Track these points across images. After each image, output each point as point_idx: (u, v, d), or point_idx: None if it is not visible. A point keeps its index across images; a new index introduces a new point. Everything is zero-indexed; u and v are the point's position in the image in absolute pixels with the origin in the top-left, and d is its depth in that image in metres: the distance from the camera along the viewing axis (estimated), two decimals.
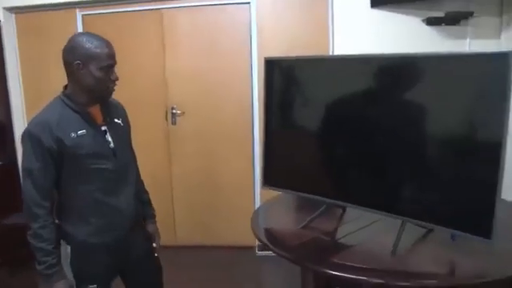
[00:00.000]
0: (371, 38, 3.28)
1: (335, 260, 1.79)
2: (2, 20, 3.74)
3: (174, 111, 3.74)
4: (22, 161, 1.65)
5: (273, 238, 2.09)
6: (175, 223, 3.90)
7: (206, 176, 3.81)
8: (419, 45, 3.15)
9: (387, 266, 1.73)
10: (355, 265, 1.73)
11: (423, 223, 1.85)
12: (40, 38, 3.81)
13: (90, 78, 1.64)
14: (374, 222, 2.06)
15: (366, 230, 2.04)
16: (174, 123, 3.75)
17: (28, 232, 1.66)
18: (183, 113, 3.75)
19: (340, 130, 2.10)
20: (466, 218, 1.67)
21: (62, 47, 1.70)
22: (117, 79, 1.72)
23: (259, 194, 3.72)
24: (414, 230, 1.92)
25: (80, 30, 3.71)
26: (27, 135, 1.63)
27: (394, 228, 1.86)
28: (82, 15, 3.73)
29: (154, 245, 2.03)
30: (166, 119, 3.76)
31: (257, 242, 3.74)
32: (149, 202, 2.07)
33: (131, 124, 1.98)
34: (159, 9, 3.65)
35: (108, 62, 1.66)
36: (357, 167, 2.06)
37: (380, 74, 1.93)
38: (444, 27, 3.18)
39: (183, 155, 3.81)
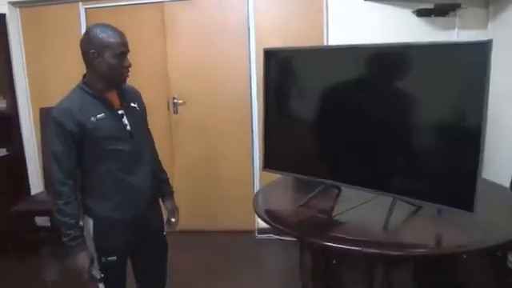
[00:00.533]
0: (364, 29, 3.42)
1: (332, 233, 1.94)
2: (8, 14, 3.85)
3: (175, 101, 3.88)
4: (50, 144, 1.82)
5: (273, 216, 2.25)
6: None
7: (207, 163, 3.96)
8: (410, 35, 3.30)
9: (379, 238, 1.89)
10: (350, 237, 1.88)
11: (412, 200, 2.01)
12: (44, 32, 3.94)
13: (105, 66, 1.79)
14: (367, 202, 2.21)
15: (360, 208, 2.19)
16: (175, 112, 3.89)
17: (55, 208, 1.82)
18: (184, 102, 3.89)
19: (335, 115, 2.24)
20: (451, 194, 1.83)
21: (67, 40, 1.83)
22: (129, 65, 1.86)
23: (258, 180, 3.88)
24: (404, 208, 2.07)
25: (83, 23, 3.85)
26: (52, 121, 1.79)
27: (385, 206, 2.00)
28: (85, 9, 3.85)
29: (173, 219, 2.19)
30: (168, 109, 3.90)
31: (256, 226, 3.90)
32: (167, 181, 2.21)
33: None
34: (160, 2, 3.78)
35: (121, 50, 1.80)
36: (351, 150, 2.20)
37: (371, 63, 2.08)
38: (433, 18, 3.33)
39: (185, 142, 3.96)
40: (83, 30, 3.79)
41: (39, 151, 4.04)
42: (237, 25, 3.74)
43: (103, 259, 1.91)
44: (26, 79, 4.04)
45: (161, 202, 2.18)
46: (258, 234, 3.92)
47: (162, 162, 2.22)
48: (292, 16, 3.62)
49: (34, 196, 3.98)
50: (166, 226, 2.19)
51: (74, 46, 3.96)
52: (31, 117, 4.07)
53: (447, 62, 1.83)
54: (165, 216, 2.20)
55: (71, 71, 3.86)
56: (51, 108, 3.89)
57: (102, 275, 1.91)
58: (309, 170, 2.34)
